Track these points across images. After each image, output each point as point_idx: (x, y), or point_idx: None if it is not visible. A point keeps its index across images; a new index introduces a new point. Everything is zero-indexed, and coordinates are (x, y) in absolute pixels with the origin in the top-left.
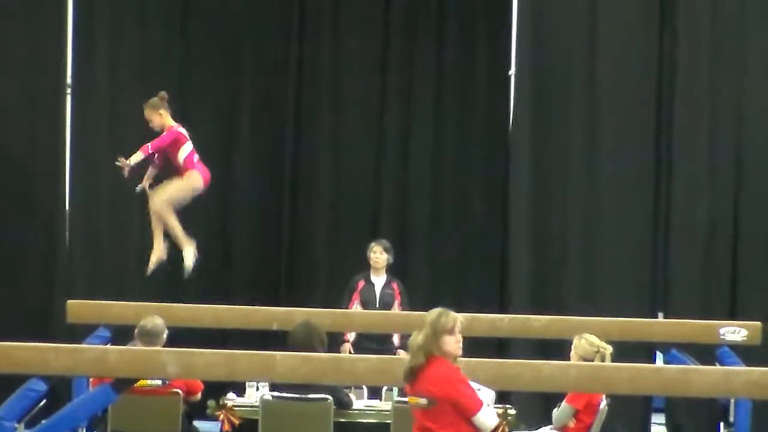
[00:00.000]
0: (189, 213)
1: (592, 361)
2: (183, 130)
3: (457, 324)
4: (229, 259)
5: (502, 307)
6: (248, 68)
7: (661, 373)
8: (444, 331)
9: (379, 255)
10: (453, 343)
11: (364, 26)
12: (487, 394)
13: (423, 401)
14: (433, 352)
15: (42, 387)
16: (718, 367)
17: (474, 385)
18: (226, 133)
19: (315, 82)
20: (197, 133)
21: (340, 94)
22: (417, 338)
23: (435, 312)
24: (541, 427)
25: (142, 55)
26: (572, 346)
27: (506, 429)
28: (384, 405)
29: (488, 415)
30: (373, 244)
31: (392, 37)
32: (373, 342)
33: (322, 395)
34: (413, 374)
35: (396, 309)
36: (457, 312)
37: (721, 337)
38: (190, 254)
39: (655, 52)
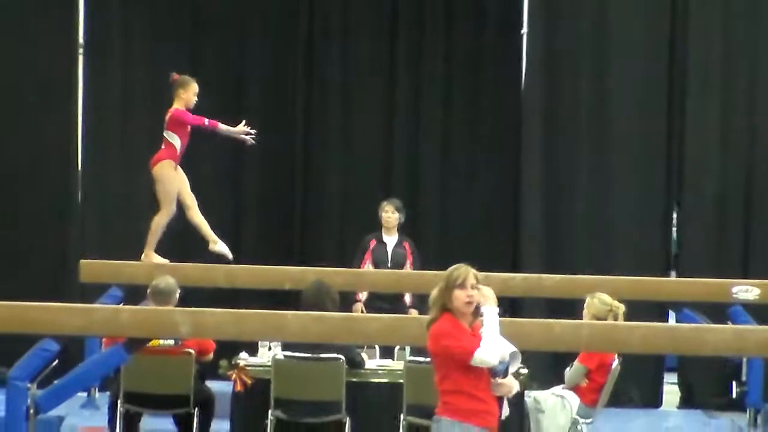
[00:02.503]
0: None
1: (605, 320)
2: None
3: (468, 279)
4: (241, 219)
5: (515, 266)
6: (258, 29)
7: (673, 331)
8: (454, 285)
9: (390, 214)
10: (463, 298)
11: None
12: (507, 348)
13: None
14: (446, 307)
15: (54, 347)
16: (730, 325)
17: (497, 339)
18: (238, 94)
19: (326, 44)
20: (208, 96)
21: (350, 56)
22: (434, 292)
23: (451, 267)
24: (553, 387)
25: (154, 19)
26: (584, 305)
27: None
28: (396, 365)
29: (487, 352)
30: (384, 203)
31: (401, 1)
32: (385, 301)
33: (334, 355)
34: (428, 329)
35: (408, 268)
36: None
37: (734, 295)
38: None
39: (668, 12)
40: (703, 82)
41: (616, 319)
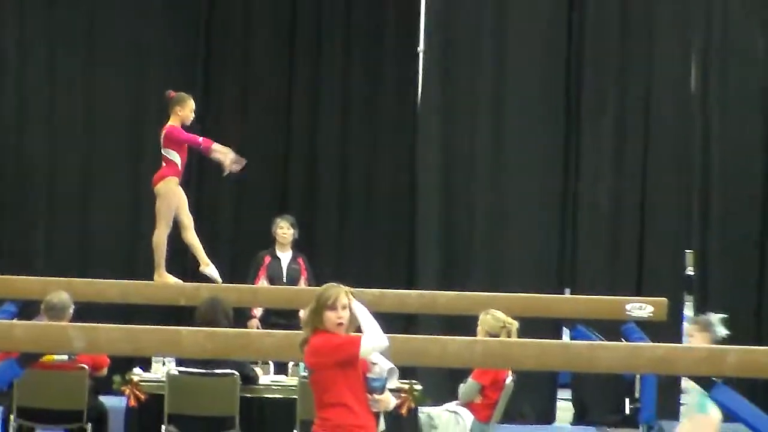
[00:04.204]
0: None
1: (498, 336)
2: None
3: (338, 299)
4: (138, 233)
5: (410, 283)
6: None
7: (566, 348)
8: (325, 306)
9: (285, 230)
10: (333, 319)
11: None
12: (385, 364)
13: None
14: (317, 327)
15: None
16: (624, 343)
17: (374, 356)
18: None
19: (223, 42)
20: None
21: (247, 59)
22: (305, 313)
23: (323, 287)
24: (447, 403)
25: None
26: (478, 322)
27: (411, 405)
28: (290, 380)
29: (373, 337)
30: (278, 219)
31: (299, 10)
32: (281, 317)
33: (229, 370)
34: (302, 348)
35: (302, 284)
36: (366, 288)
37: (628, 313)
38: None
39: (564, 31)
40: (599, 101)
41: (509, 335)
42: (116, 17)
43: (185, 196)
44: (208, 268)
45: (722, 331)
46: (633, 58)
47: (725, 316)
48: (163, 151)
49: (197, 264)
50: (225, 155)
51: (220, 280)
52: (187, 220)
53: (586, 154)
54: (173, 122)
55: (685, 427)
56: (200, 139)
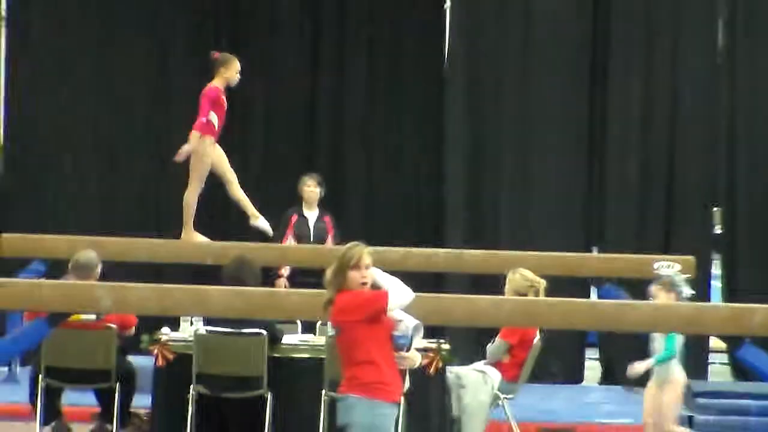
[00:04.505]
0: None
1: (526, 295)
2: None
3: (362, 259)
4: (164, 190)
5: (438, 243)
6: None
7: (594, 307)
8: (348, 266)
9: (313, 188)
10: (357, 278)
11: None
12: (410, 321)
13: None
14: (342, 287)
15: None
16: (651, 301)
17: (398, 314)
18: (159, 70)
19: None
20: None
21: (275, 24)
22: (328, 273)
23: (345, 247)
24: (475, 362)
25: None
26: (506, 281)
27: (439, 364)
28: (318, 340)
29: (398, 294)
30: (305, 177)
31: None
32: (309, 276)
33: (256, 330)
34: (326, 309)
35: (329, 242)
36: (394, 246)
37: (655, 271)
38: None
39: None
40: (627, 61)
41: (537, 294)
42: None
43: (223, 154)
44: (258, 221)
45: (688, 291)
46: (660, 22)
47: (689, 276)
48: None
49: (247, 218)
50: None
51: (271, 231)
52: (231, 176)
53: (612, 113)
54: (217, 83)
55: (652, 391)
56: (203, 120)
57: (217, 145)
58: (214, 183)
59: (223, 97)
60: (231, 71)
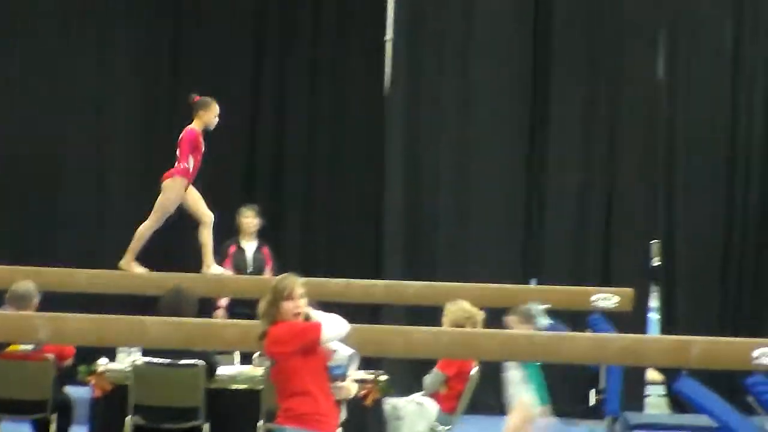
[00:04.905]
0: None
1: (464, 327)
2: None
3: (295, 290)
4: (102, 220)
5: (376, 275)
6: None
7: (532, 339)
8: (282, 297)
9: (250, 219)
10: (291, 309)
11: None
12: (346, 352)
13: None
14: (276, 318)
15: None
16: (589, 333)
17: (334, 344)
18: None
19: (190, 44)
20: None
21: (216, 53)
22: (262, 304)
23: (277, 278)
24: (412, 394)
25: None
26: (444, 312)
27: (376, 395)
28: (255, 371)
29: (330, 327)
30: (243, 208)
31: (269, 3)
32: (247, 307)
33: (194, 361)
34: (261, 341)
35: (268, 273)
36: (332, 278)
37: (593, 303)
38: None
39: (531, 20)
40: (566, 91)
41: (475, 326)
42: None
43: (199, 195)
44: (211, 269)
45: (544, 322)
46: (600, 47)
47: (548, 306)
48: (178, 151)
49: (202, 264)
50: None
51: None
52: (206, 219)
53: (552, 144)
54: (196, 126)
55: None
56: (189, 169)
57: (192, 188)
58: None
59: (201, 140)
60: (210, 114)
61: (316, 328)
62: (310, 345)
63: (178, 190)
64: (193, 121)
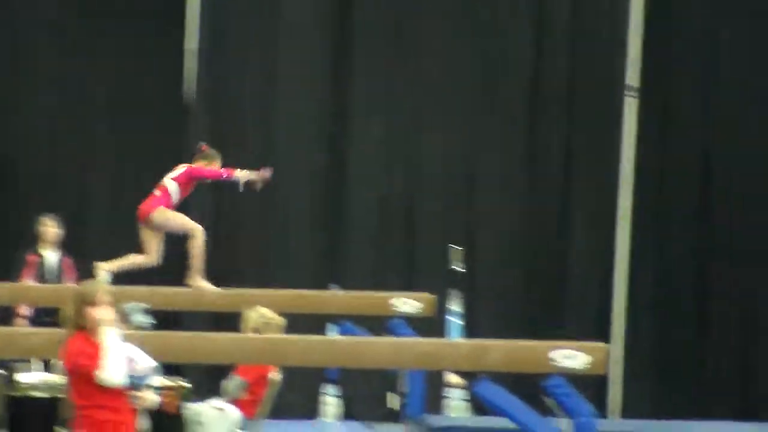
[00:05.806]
0: None
1: (264, 333)
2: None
3: (99, 296)
4: None
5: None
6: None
7: (332, 344)
8: (85, 302)
9: (51, 228)
10: (94, 315)
11: None
12: (145, 362)
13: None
14: (80, 325)
15: None
16: (389, 338)
17: (133, 353)
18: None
19: None
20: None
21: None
22: (66, 310)
23: (82, 283)
24: (212, 399)
25: None
26: (243, 318)
27: (176, 402)
28: (56, 378)
29: (109, 371)
30: (44, 217)
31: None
32: (50, 316)
33: None
34: (62, 347)
35: (69, 282)
36: (129, 285)
37: (393, 308)
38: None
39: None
40: (369, 101)
41: (274, 332)
42: None
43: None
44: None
45: (141, 320)
46: (404, 57)
47: (145, 305)
48: (166, 182)
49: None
50: (248, 175)
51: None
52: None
53: (354, 152)
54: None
55: None
56: (223, 173)
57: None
58: None
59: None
60: (213, 166)
61: (95, 367)
62: (85, 376)
63: (169, 213)
64: (193, 161)
